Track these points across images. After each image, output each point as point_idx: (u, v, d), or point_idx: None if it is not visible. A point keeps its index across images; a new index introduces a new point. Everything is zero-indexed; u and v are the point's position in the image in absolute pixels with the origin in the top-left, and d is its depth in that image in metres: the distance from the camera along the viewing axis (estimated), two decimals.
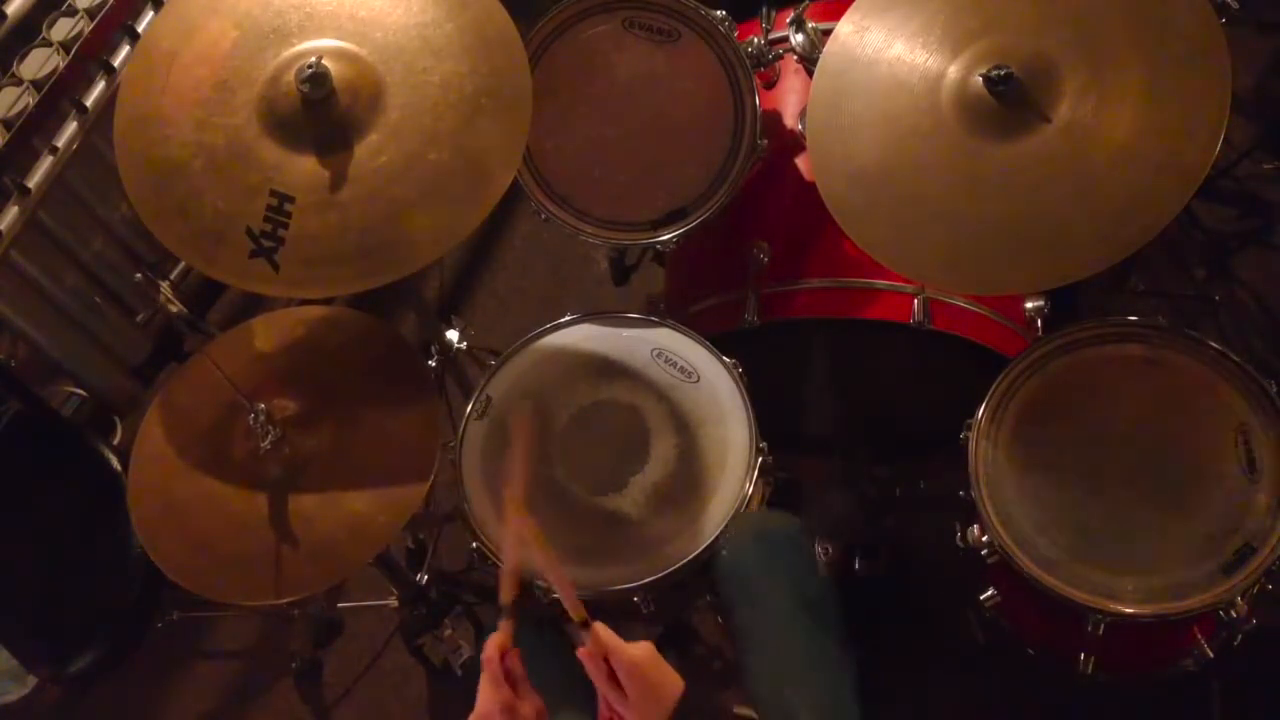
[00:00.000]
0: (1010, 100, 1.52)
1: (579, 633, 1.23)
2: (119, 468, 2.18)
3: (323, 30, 1.61)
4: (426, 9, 1.61)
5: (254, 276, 1.54)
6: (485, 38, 1.60)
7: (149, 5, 2.13)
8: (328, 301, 1.87)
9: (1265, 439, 1.52)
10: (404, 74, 1.58)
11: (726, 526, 1.61)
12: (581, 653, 1.23)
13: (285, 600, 1.63)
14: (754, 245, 1.86)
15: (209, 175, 1.56)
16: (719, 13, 1.75)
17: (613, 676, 1.22)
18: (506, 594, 1.26)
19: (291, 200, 1.53)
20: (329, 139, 1.56)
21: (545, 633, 1.55)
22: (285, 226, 1.53)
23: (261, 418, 1.62)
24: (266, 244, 1.53)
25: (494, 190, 1.56)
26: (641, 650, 1.23)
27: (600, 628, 1.23)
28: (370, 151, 1.55)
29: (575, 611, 1.24)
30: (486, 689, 1.22)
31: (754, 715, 1.54)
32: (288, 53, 1.60)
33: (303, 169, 1.55)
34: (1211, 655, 1.58)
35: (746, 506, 1.64)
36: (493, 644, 1.23)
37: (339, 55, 1.58)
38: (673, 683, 1.24)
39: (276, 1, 1.64)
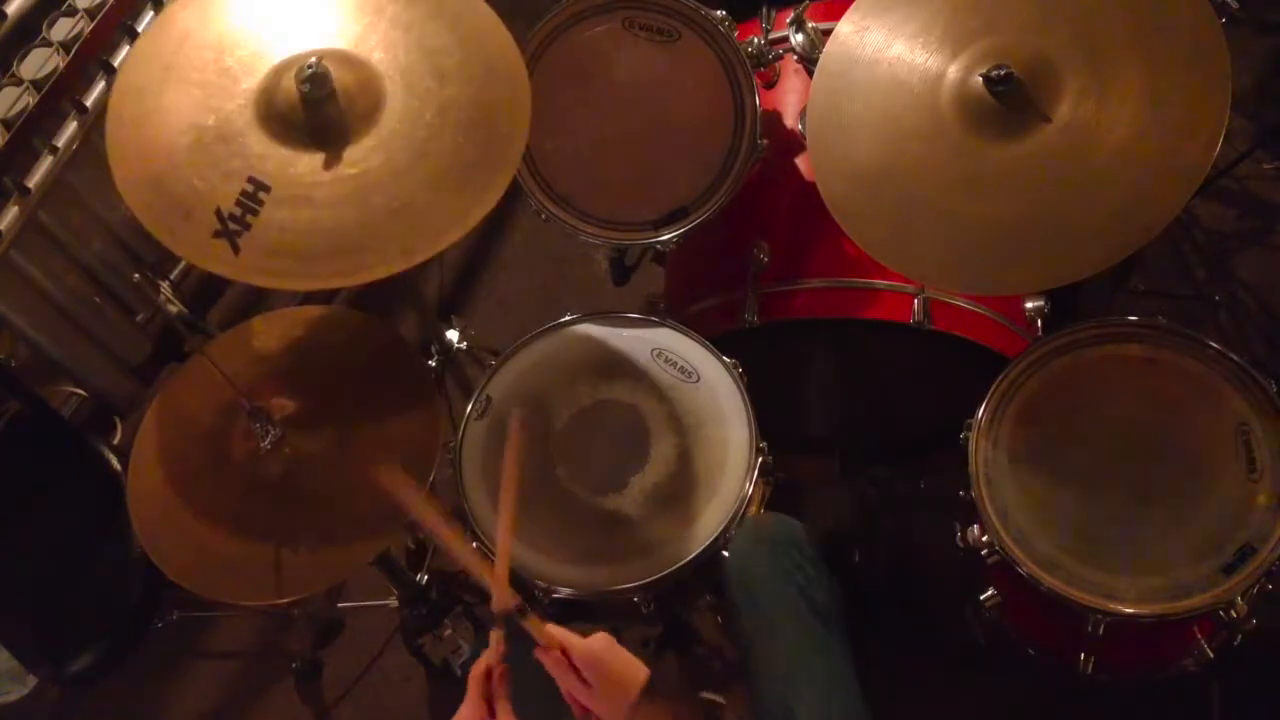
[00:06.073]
0: (1010, 100, 1.52)
1: (517, 623, 1.23)
2: (119, 468, 2.18)
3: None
4: (441, 34, 1.62)
5: (212, 256, 1.53)
6: (491, 67, 1.61)
7: (149, 5, 2.13)
8: (328, 300, 1.87)
9: (1265, 439, 1.52)
10: (405, 91, 1.59)
11: (727, 528, 1.61)
12: (538, 652, 1.23)
13: (285, 600, 1.63)
14: (754, 245, 1.86)
15: (193, 152, 1.56)
16: (719, 13, 1.75)
17: (574, 670, 1.22)
18: (500, 600, 1.25)
19: (268, 190, 1.53)
20: (320, 139, 1.56)
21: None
22: (255, 214, 1.53)
23: (261, 418, 1.62)
24: (233, 226, 1.52)
25: (493, 190, 1.56)
26: (598, 641, 1.24)
27: (551, 626, 1.24)
28: (358, 156, 1.55)
29: (500, 602, 1.23)
30: (466, 708, 1.24)
31: (721, 700, 1.54)
32: (295, 52, 1.60)
33: (287, 163, 1.55)
34: (1211, 655, 1.58)
35: (746, 506, 1.64)
36: (480, 663, 1.24)
37: (342, 60, 1.58)
38: (635, 669, 1.24)
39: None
